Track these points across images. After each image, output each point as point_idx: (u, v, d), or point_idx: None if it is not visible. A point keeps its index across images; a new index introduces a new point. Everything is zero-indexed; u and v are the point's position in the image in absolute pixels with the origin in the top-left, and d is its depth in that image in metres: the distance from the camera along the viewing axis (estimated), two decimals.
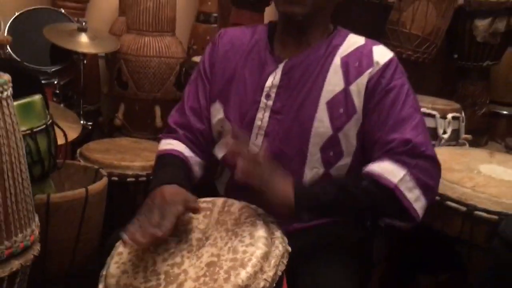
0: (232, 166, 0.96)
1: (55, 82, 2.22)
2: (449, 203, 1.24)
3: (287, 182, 0.99)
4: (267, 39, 1.20)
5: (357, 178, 1.04)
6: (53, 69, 2.29)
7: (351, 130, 1.10)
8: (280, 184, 0.98)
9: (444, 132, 1.77)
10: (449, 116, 1.80)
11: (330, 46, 1.14)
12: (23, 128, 1.16)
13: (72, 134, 1.70)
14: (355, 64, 1.11)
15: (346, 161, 1.12)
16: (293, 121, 1.12)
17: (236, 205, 1.00)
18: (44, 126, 1.34)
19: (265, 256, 0.86)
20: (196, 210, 0.99)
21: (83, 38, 2.24)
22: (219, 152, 1.19)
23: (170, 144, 1.20)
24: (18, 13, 2.28)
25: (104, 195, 1.53)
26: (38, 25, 2.21)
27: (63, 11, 2.44)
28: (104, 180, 1.53)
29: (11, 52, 2.16)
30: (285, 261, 0.89)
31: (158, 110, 2.37)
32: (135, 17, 2.33)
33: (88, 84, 2.47)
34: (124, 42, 2.37)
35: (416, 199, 1.01)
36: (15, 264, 0.92)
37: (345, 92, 1.10)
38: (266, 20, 2.01)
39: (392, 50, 2.06)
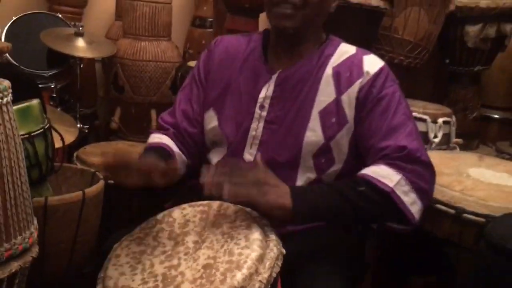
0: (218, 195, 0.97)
1: (52, 86, 2.24)
2: (438, 206, 1.26)
3: (282, 188, 1.00)
4: (262, 49, 1.21)
5: (354, 182, 1.05)
6: (50, 73, 2.30)
7: (343, 139, 1.12)
8: (274, 191, 0.98)
9: (435, 136, 1.81)
10: (440, 120, 1.83)
11: (322, 56, 1.16)
12: (21, 132, 1.17)
13: (69, 138, 1.71)
14: (346, 74, 1.13)
15: (337, 167, 1.15)
16: (287, 130, 1.14)
17: (231, 208, 1.01)
18: (42, 130, 1.35)
19: (260, 258, 0.88)
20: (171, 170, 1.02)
21: (80, 42, 2.25)
22: (214, 158, 1.22)
23: (158, 138, 1.22)
24: (16, 18, 2.30)
25: (101, 198, 1.53)
26: (35, 30, 2.23)
27: (60, 15, 2.46)
28: (101, 183, 1.54)
29: (8, 57, 2.17)
30: (279, 263, 0.90)
31: (154, 114, 2.39)
32: (132, 22, 2.35)
33: (85, 87, 2.48)
34: (121, 46, 2.38)
35: (412, 202, 1.03)
36: (14, 266, 0.93)
37: (337, 102, 1.12)
38: (260, 26, 2.03)
39: (384, 55, 2.13)
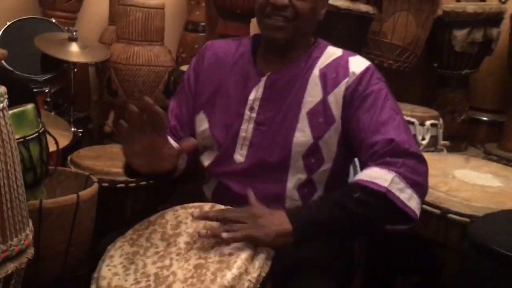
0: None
1: (46, 91, 2.25)
2: (424, 206, 1.27)
3: (279, 216, 0.99)
4: (251, 53, 1.23)
5: (348, 190, 1.04)
6: (44, 78, 2.30)
7: (331, 138, 1.14)
8: (271, 220, 0.98)
9: (423, 139, 1.83)
10: (428, 123, 1.86)
11: (310, 59, 1.18)
12: (16, 137, 1.16)
13: (63, 142, 1.71)
14: (332, 75, 1.14)
15: (327, 166, 1.16)
16: (276, 131, 1.16)
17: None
18: (36, 134, 1.37)
19: (250, 258, 0.90)
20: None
21: (74, 47, 2.26)
22: (205, 161, 1.24)
23: None
24: (10, 23, 2.29)
25: (95, 201, 1.55)
26: (29, 35, 2.23)
27: (53, 20, 2.45)
28: (95, 186, 1.55)
29: (3, 62, 2.16)
30: (269, 263, 0.93)
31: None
32: (125, 27, 2.35)
33: (79, 92, 2.48)
34: (114, 51, 2.39)
35: (409, 198, 1.01)
36: (11, 267, 0.94)
37: (324, 102, 1.13)
38: (252, 31, 2.06)
39: (374, 59, 2.17)
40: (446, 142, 1.92)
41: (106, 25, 2.83)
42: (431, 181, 1.35)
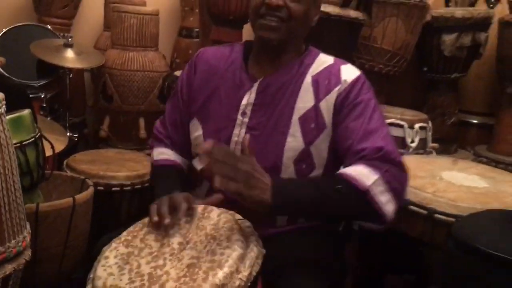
0: (209, 178, 1.01)
1: (42, 96, 2.25)
2: (411, 207, 1.32)
3: (266, 183, 1.01)
4: (243, 59, 1.25)
5: (333, 180, 1.07)
6: (39, 83, 2.31)
7: (322, 143, 1.16)
8: (257, 187, 0.99)
9: (412, 141, 1.85)
10: (417, 126, 1.88)
11: (302, 66, 1.20)
12: (13, 141, 1.20)
13: (59, 146, 1.72)
14: (324, 82, 1.17)
15: (317, 172, 1.18)
16: (268, 136, 1.17)
17: (215, 211, 1.05)
18: (33, 139, 1.38)
19: (241, 258, 0.92)
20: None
21: (69, 53, 2.27)
22: (198, 165, 1.25)
23: (163, 154, 1.27)
24: (6, 30, 2.31)
25: (91, 204, 1.56)
26: (25, 41, 2.24)
27: (49, 27, 2.47)
28: (90, 189, 1.56)
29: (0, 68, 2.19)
30: (259, 262, 0.94)
31: (142, 122, 2.41)
32: (120, 33, 2.36)
33: (74, 97, 2.49)
34: (109, 57, 2.40)
35: (386, 202, 1.04)
36: (9, 268, 0.96)
37: (316, 108, 1.16)
38: (244, 36, 2.09)
39: (364, 63, 2.20)
40: (435, 145, 1.95)
41: (101, 31, 2.85)
42: (419, 182, 1.40)
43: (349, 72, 1.18)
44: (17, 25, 2.37)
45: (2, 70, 2.19)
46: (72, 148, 2.19)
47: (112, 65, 2.37)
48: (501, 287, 0.98)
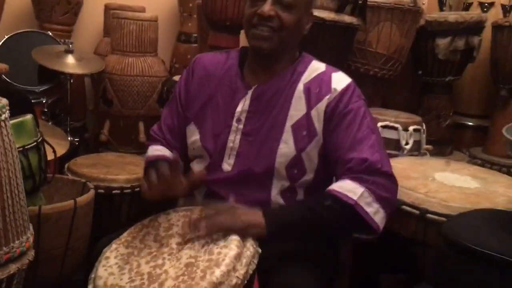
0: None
1: (44, 101, 2.27)
2: (404, 207, 1.34)
3: (255, 212, 1.07)
4: (238, 66, 1.28)
5: (321, 197, 1.12)
6: (41, 89, 2.34)
7: (313, 150, 1.19)
8: (247, 213, 1.06)
9: (406, 143, 1.87)
10: (411, 128, 1.90)
11: (294, 73, 1.23)
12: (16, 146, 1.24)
13: (61, 150, 1.74)
14: (315, 90, 1.20)
15: (309, 177, 1.21)
16: (262, 142, 1.21)
17: None
18: (35, 143, 1.40)
19: (238, 257, 0.95)
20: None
21: (70, 59, 2.29)
22: (196, 169, 1.28)
23: (158, 150, 1.29)
24: (8, 36, 2.34)
25: (91, 207, 1.58)
26: (27, 48, 2.26)
27: (50, 33, 2.50)
28: (91, 192, 1.59)
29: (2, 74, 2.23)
30: (255, 261, 0.98)
31: (141, 126, 2.43)
32: (119, 39, 2.39)
33: (75, 102, 2.51)
34: (109, 62, 2.42)
35: (375, 212, 1.09)
36: (13, 268, 0.99)
37: (307, 116, 1.19)
38: (241, 42, 2.11)
39: (360, 67, 2.23)
40: (429, 147, 1.97)
41: (101, 37, 2.87)
42: (412, 183, 1.43)
43: (340, 81, 1.21)
44: (18, 31, 2.40)
45: (4, 76, 2.21)
46: (73, 152, 2.21)
47: (112, 70, 2.39)
48: (488, 283, 1.01)
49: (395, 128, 1.89)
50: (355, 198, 1.08)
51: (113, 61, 2.42)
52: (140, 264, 1.00)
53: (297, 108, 1.20)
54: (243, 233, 1.02)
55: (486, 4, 2.59)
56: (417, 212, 1.33)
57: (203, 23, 2.19)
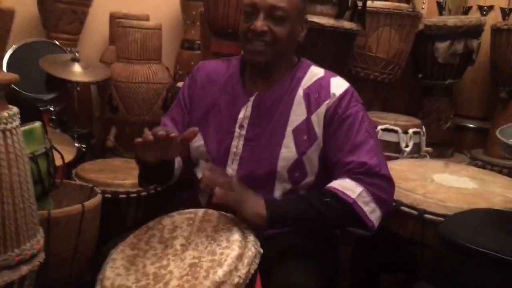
0: (210, 192, 1.08)
1: (51, 109, 2.32)
2: (403, 208, 1.37)
3: (259, 200, 1.11)
4: (240, 73, 1.32)
5: (321, 194, 1.16)
6: (49, 97, 2.37)
7: (313, 154, 1.23)
8: (253, 201, 1.10)
9: (406, 146, 1.89)
10: (410, 131, 1.92)
11: (294, 79, 1.27)
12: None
13: (68, 156, 1.77)
14: (315, 96, 1.24)
15: (310, 179, 1.25)
16: (264, 147, 1.24)
17: (215, 215, 1.12)
18: (44, 150, 1.44)
19: (239, 257, 0.98)
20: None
21: (76, 67, 2.33)
22: (200, 173, 1.31)
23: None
24: (16, 46, 2.37)
25: (99, 211, 1.61)
26: (35, 57, 2.30)
27: (57, 42, 2.54)
28: (98, 197, 1.62)
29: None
30: (257, 261, 1.00)
31: (147, 132, 2.47)
32: (124, 47, 2.43)
33: (81, 109, 2.55)
34: (115, 70, 2.45)
35: (371, 211, 1.14)
36: (24, 269, 1.02)
37: (307, 121, 1.23)
38: None
39: (360, 72, 2.25)
40: (429, 149, 1.99)
41: (107, 46, 2.92)
42: (411, 184, 1.46)
43: (338, 86, 1.25)
44: (26, 41, 2.44)
45: (13, 85, 2.25)
46: (80, 158, 2.24)
47: (118, 77, 2.43)
48: (484, 281, 1.03)
49: (395, 131, 1.91)
50: (353, 196, 1.13)
51: (119, 69, 2.45)
52: (145, 265, 1.03)
53: (297, 113, 1.24)
54: (245, 219, 1.07)
55: (485, 8, 2.62)
56: (415, 212, 1.35)
57: (206, 31, 2.21)
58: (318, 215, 1.14)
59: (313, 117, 1.23)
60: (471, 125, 2.72)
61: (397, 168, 1.55)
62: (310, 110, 1.23)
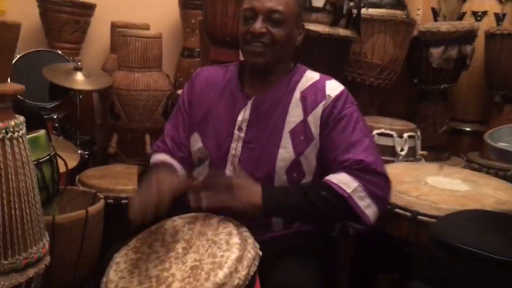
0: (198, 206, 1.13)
1: (54, 117, 2.35)
2: (397, 210, 1.39)
3: (256, 189, 1.15)
4: (238, 78, 1.35)
5: (317, 187, 1.19)
6: (52, 105, 2.42)
7: (310, 154, 1.26)
8: (249, 190, 1.13)
9: (402, 150, 1.92)
10: (405, 135, 1.95)
11: (291, 83, 1.30)
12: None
13: (72, 163, 1.80)
14: (311, 98, 1.27)
15: (308, 179, 1.28)
16: (262, 149, 1.27)
17: (215, 219, 1.14)
18: (48, 157, 1.47)
19: (239, 259, 1.00)
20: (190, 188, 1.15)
21: (79, 76, 2.37)
22: (200, 176, 1.34)
23: (162, 158, 1.34)
24: (19, 56, 2.41)
25: (102, 216, 1.64)
26: (38, 66, 2.34)
27: (59, 52, 2.58)
28: (101, 202, 1.65)
29: None
30: (256, 263, 1.03)
31: (148, 138, 2.49)
32: (125, 56, 2.47)
33: (84, 117, 2.58)
34: (116, 78, 2.49)
35: (367, 206, 1.16)
36: (31, 272, 1.06)
37: (304, 122, 1.26)
38: (241, 56, 2.18)
39: (356, 77, 2.27)
40: (424, 152, 2.01)
41: (108, 54, 2.95)
42: (405, 187, 1.48)
43: (333, 88, 1.28)
44: (30, 51, 2.48)
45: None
46: (83, 165, 2.28)
47: (119, 85, 2.47)
48: (475, 280, 1.06)
49: (390, 135, 1.94)
50: (348, 191, 1.15)
51: (120, 77, 2.49)
52: (148, 268, 1.06)
53: (294, 115, 1.27)
54: (241, 213, 1.11)
55: (479, 13, 2.66)
56: (409, 214, 1.37)
57: (205, 39, 2.24)
58: (313, 208, 1.17)
59: (310, 118, 1.26)
60: (467, 129, 2.75)
61: (392, 171, 1.56)
62: (306, 111, 1.27)
